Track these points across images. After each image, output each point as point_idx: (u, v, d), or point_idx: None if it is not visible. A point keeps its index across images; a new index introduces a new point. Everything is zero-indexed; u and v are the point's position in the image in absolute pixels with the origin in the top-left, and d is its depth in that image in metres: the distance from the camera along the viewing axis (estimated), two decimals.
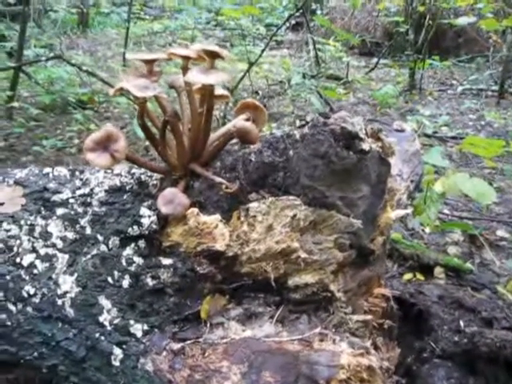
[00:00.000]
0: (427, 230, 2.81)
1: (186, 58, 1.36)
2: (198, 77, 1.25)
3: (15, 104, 4.68)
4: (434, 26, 6.47)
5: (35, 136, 4.50)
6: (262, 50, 4.49)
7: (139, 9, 10.51)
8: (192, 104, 1.37)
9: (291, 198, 1.25)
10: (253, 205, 1.27)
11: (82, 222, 1.39)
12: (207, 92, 1.31)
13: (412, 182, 1.75)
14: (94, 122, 4.54)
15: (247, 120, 1.42)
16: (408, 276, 2.33)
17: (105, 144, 1.29)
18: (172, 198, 1.25)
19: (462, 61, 7.99)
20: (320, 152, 1.22)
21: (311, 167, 1.24)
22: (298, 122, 3.56)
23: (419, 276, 2.33)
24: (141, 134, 3.82)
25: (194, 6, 10.20)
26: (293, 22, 9.15)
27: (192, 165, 1.35)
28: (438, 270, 2.41)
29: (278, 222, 1.26)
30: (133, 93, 1.24)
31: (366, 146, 1.24)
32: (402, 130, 1.81)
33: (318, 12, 9.59)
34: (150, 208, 1.32)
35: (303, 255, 1.28)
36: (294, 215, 1.26)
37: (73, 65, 4.96)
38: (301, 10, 5.84)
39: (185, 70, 1.36)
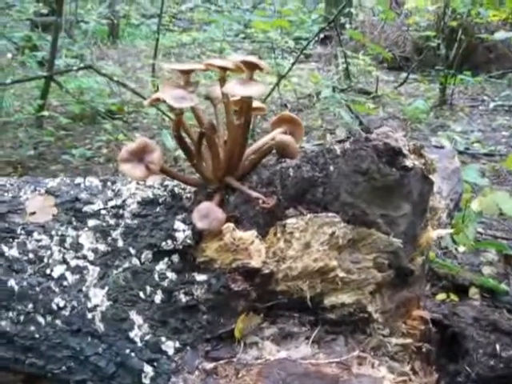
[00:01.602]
0: (460, 248, 2.74)
1: (224, 69, 1.32)
2: (236, 88, 1.21)
3: (45, 113, 4.71)
4: (466, 41, 6.39)
5: (64, 145, 4.52)
6: (293, 63, 4.47)
7: (168, 21, 10.58)
8: (228, 116, 1.34)
9: (330, 214, 1.21)
10: (290, 221, 1.23)
11: (114, 234, 1.36)
12: (245, 104, 1.27)
13: (451, 200, 1.69)
14: (123, 132, 4.54)
15: (284, 133, 1.39)
16: (441, 296, 2.26)
17: (140, 155, 1.26)
18: (208, 213, 1.21)
19: (493, 76, 7.87)
20: (362, 168, 1.18)
21: (352, 183, 1.19)
22: (328, 136, 3.52)
23: (453, 296, 2.26)
24: (170, 144, 3.83)
25: (223, 17, 10.24)
26: (321, 35, 9.12)
27: (227, 178, 1.31)
28: (472, 291, 2.33)
29: (316, 240, 1.22)
30: (170, 103, 1.22)
31: (409, 163, 1.19)
32: (442, 147, 1.76)
33: (347, 26, 9.55)
34: (184, 222, 1.28)
35: (341, 274, 1.23)
36: (333, 233, 1.22)
37: (103, 75, 4.98)
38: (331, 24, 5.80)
39: (222, 81, 1.33)
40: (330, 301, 1.25)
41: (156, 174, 1.30)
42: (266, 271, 1.21)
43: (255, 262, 1.21)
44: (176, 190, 1.40)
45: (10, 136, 4.57)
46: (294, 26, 9.91)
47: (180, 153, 3.44)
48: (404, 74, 7.76)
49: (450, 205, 1.69)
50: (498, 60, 8.59)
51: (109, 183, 1.49)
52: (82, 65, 5.78)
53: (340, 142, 1.26)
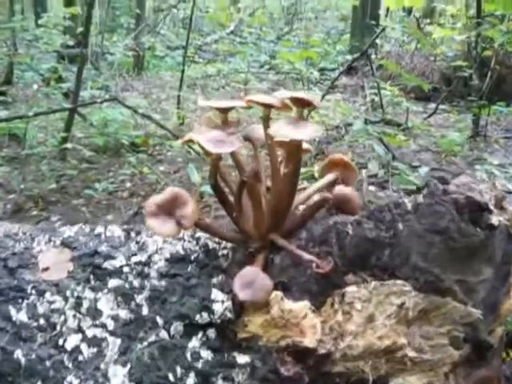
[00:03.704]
0: None
1: (269, 107, 1.13)
2: (288, 131, 1.01)
3: (69, 145, 4.59)
4: (497, 71, 6.18)
5: (87, 178, 4.38)
6: (323, 95, 4.30)
7: (193, 52, 10.54)
8: (273, 160, 1.14)
9: (399, 282, 1.01)
10: (350, 289, 1.02)
11: (138, 298, 1.16)
12: (294, 148, 1.07)
13: None
14: (147, 165, 4.39)
15: (336, 180, 1.19)
16: None
17: (170, 208, 1.07)
18: (252, 280, 1.00)
19: None
20: (439, 226, 0.98)
21: (426, 245, 0.99)
22: (364, 172, 3.31)
23: None
24: (195, 179, 3.65)
25: (248, 48, 10.17)
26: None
27: (272, 235, 1.11)
28: None
29: (381, 312, 1.01)
30: (206, 148, 1.02)
31: (495, 221, 0.99)
32: (510, 192, 1.55)
33: (373, 56, 9.40)
34: (222, 289, 1.07)
35: (410, 354, 1.03)
36: (402, 304, 1.01)
37: (128, 107, 4.86)
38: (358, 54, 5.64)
39: (266, 120, 1.14)
40: (397, 383, 1.04)
41: (188, 230, 1.10)
42: (322, 351, 1.00)
43: (309, 341, 0.99)
44: (210, 244, 1.20)
45: (33, 169, 4.45)
46: (319, 57, 9.79)
47: (206, 188, 3.27)
48: (432, 105, 7.54)
49: None
50: None
51: (132, 234, 1.30)
52: (106, 96, 5.68)
53: (411, 194, 1.06)
